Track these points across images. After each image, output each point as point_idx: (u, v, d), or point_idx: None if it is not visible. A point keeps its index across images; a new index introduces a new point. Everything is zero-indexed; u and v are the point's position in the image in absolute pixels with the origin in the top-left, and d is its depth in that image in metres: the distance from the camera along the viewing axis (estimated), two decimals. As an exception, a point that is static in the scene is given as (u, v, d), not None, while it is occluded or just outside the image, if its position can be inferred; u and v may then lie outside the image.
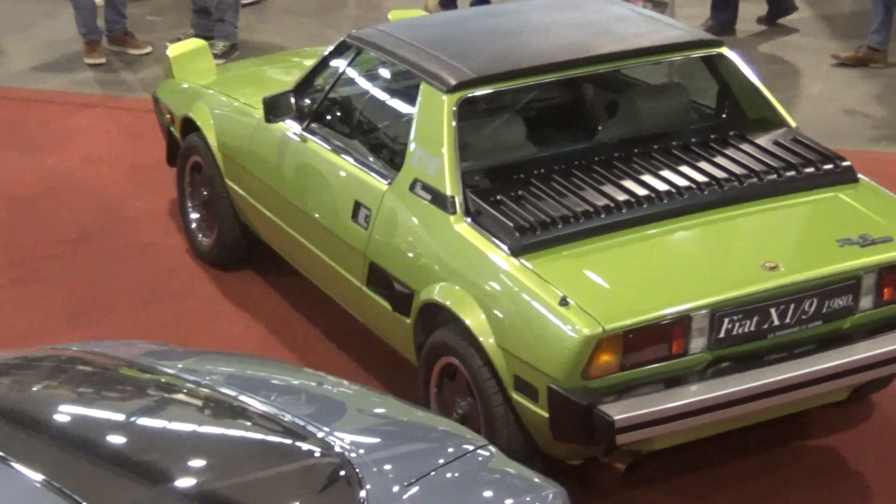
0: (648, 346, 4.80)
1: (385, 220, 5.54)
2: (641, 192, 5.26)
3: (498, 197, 5.25)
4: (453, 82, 5.47)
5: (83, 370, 4.42)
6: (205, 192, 6.90)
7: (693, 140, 5.63)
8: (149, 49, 9.85)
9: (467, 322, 5.05)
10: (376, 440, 4.20)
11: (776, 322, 4.95)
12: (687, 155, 5.53)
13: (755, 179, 5.37)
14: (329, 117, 6.15)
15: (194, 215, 7.04)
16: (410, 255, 5.40)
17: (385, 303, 5.54)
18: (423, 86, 5.57)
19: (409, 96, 5.76)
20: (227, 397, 4.26)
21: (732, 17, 9.93)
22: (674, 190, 5.28)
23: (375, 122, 6.08)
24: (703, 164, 5.45)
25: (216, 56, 8.34)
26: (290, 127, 6.19)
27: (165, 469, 3.83)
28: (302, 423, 4.12)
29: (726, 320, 4.87)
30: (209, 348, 5.81)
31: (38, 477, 3.59)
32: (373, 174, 5.71)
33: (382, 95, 6.20)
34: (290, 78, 6.56)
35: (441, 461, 4.02)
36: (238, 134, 6.58)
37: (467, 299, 5.09)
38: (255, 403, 4.20)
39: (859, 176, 5.50)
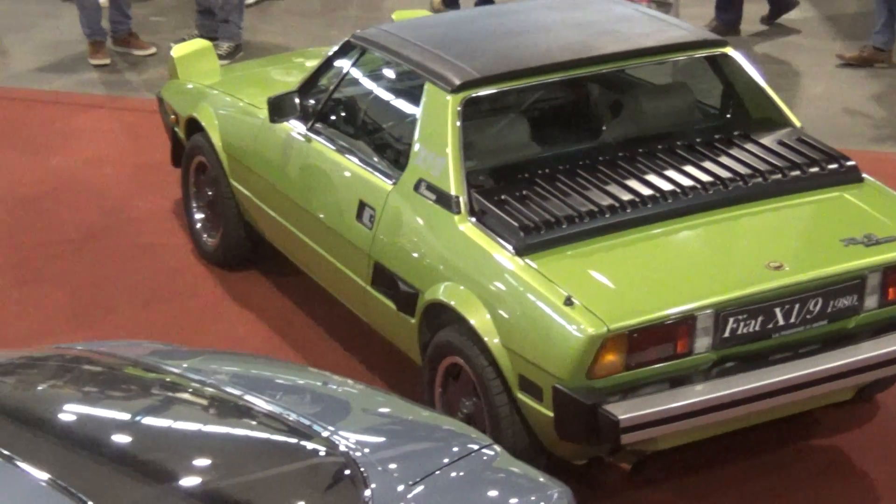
0: (653, 345, 4.80)
1: (389, 220, 5.54)
2: (646, 191, 5.25)
3: (502, 197, 5.25)
4: (458, 82, 5.47)
5: (88, 369, 4.42)
6: (209, 193, 6.90)
7: (697, 140, 5.63)
8: (153, 50, 9.84)
9: (472, 322, 5.05)
10: (381, 439, 4.20)
11: (781, 322, 4.95)
12: (691, 155, 5.52)
13: (760, 179, 5.37)
14: (333, 117, 6.14)
15: (199, 215, 7.04)
16: (415, 254, 5.40)
17: (390, 302, 5.54)
18: (427, 86, 5.57)
19: (414, 96, 5.75)
20: (232, 396, 4.26)
21: (737, 18, 9.91)
22: (678, 190, 5.28)
23: (380, 123, 6.08)
24: (708, 164, 5.45)
25: (220, 57, 8.33)
26: (295, 127, 6.19)
27: (170, 468, 3.84)
28: (307, 422, 4.12)
29: (731, 320, 4.87)
30: (214, 348, 5.81)
31: (43, 476, 3.59)
32: (377, 174, 5.70)
33: (387, 95, 6.20)
34: (294, 78, 6.56)
35: (446, 460, 4.02)
36: (242, 134, 6.58)
37: (472, 299, 5.09)
38: (260, 403, 4.20)
39: (864, 176, 5.49)
